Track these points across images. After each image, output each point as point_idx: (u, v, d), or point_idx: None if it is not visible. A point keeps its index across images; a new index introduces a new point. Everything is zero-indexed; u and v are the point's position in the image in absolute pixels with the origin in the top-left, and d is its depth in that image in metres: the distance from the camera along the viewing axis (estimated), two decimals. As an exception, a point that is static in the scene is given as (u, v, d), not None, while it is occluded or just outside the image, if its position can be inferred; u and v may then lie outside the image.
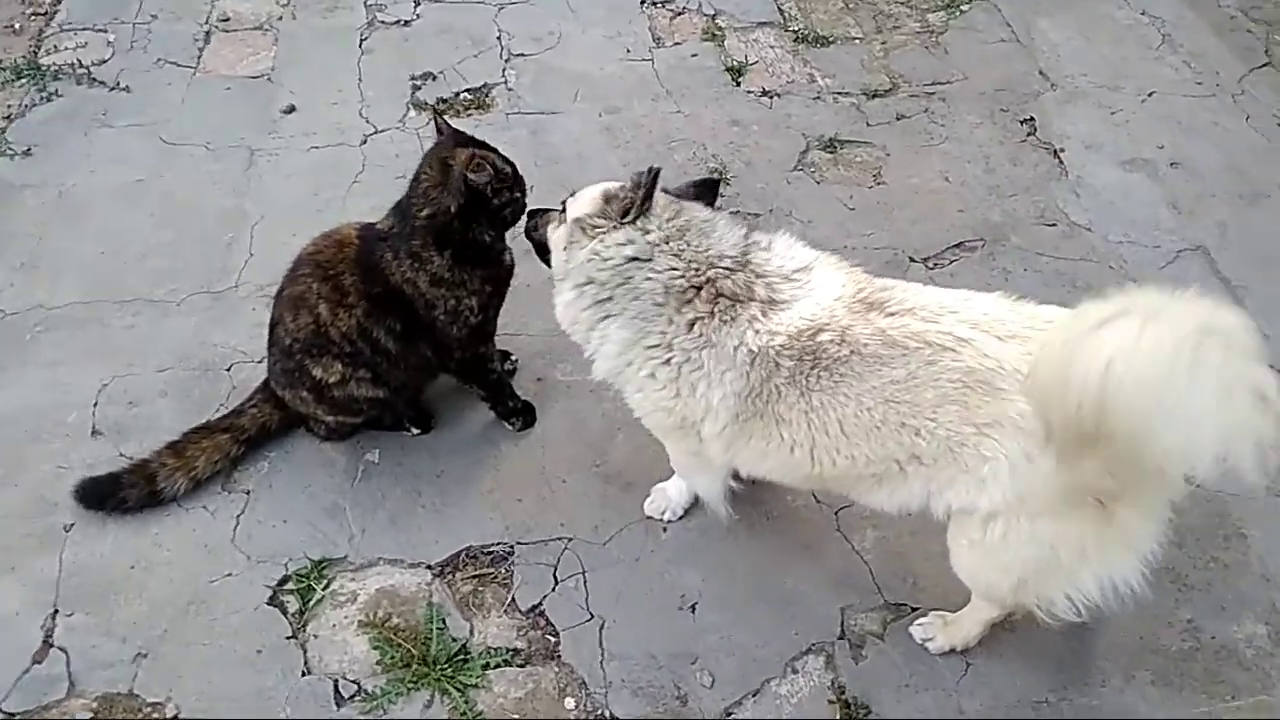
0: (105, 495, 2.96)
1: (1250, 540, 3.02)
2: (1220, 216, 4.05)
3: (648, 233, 2.39)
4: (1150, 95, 4.67)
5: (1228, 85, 4.71)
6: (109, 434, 3.21)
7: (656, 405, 2.53)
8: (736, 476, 2.83)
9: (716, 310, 2.35)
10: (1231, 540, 3.02)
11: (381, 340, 2.93)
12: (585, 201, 2.55)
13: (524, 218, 2.91)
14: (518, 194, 2.90)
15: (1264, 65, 4.82)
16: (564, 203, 2.67)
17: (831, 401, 2.30)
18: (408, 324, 2.94)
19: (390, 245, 2.88)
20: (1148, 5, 5.20)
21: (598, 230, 2.43)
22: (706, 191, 2.63)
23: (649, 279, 2.39)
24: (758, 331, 2.32)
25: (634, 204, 2.38)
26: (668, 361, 2.42)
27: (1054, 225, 4.06)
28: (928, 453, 2.27)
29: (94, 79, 4.59)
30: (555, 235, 2.64)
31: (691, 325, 2.38)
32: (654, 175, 2.35)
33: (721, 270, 2.38)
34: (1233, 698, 2.72)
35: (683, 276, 2.38)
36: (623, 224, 2.39)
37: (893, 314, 2.30)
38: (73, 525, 2.97)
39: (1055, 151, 4.39)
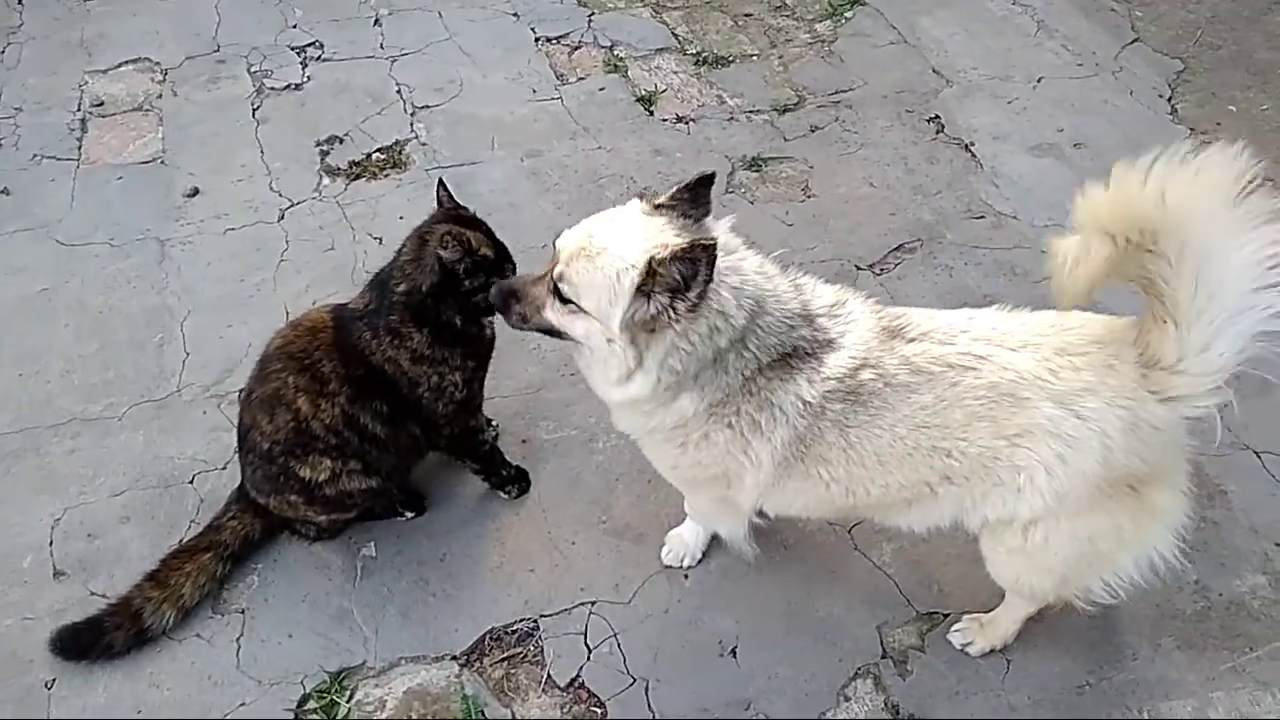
0: (87, 644, 2.71)
1: (1231, 495, 3.18)
2: (1129, 189, 4.28)
3: (728, 315, 2.17)
4: (1040, 81, 4.90)
5: (1106, 64, 4.99)
6: (74, 573, 2.94)
7: (696, 462, 2.44)
8: (759, 512, 2.79)
9: (779, 371, 2.27)
10: (1215, 498, 3.17)
11: (369, 426, 2.78)
12: (604, 288, 2.15)
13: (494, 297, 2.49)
14: (509, 270, 2.75)
15: (1134, 41, 5.12)
16: (551, 275, 2.27)
17: (868, 435, 2.30)
18: (394, 405, 2.80)
19: (368, 323, 2.74)
20: (1017, -5, 5.48)
21: (663, 321, 2.14)
22: (703, 190, 2.28)
23: (743, 357, 2.24)
24: (811, 382, 2.26)
25: (692, 281, 2.08)
26: (730, 425, 2.32)
27: (982, 218, 4.21)
28: (960, 472, 2.31)
29: (-35, 184, 4.24)
30: (581, 327, 2.27)
31: (759, 390, 2.28)
32: (711, 255, 2.05)
33: (799, 335, 2.28)
34: (1251, 649, 2.85)
35: (776, 348, 2.26)
36: (695, 311, 2.12)
37: (912, 340, 2.31)
38: (54, 681, 2.71)
39: (966, 146, 4.55)
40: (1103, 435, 2.16)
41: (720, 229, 2.31)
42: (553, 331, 2.38)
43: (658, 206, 2.27)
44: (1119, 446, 2.17)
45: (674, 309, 2.12)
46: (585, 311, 2.23)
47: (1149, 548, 2.40)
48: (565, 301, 2.26)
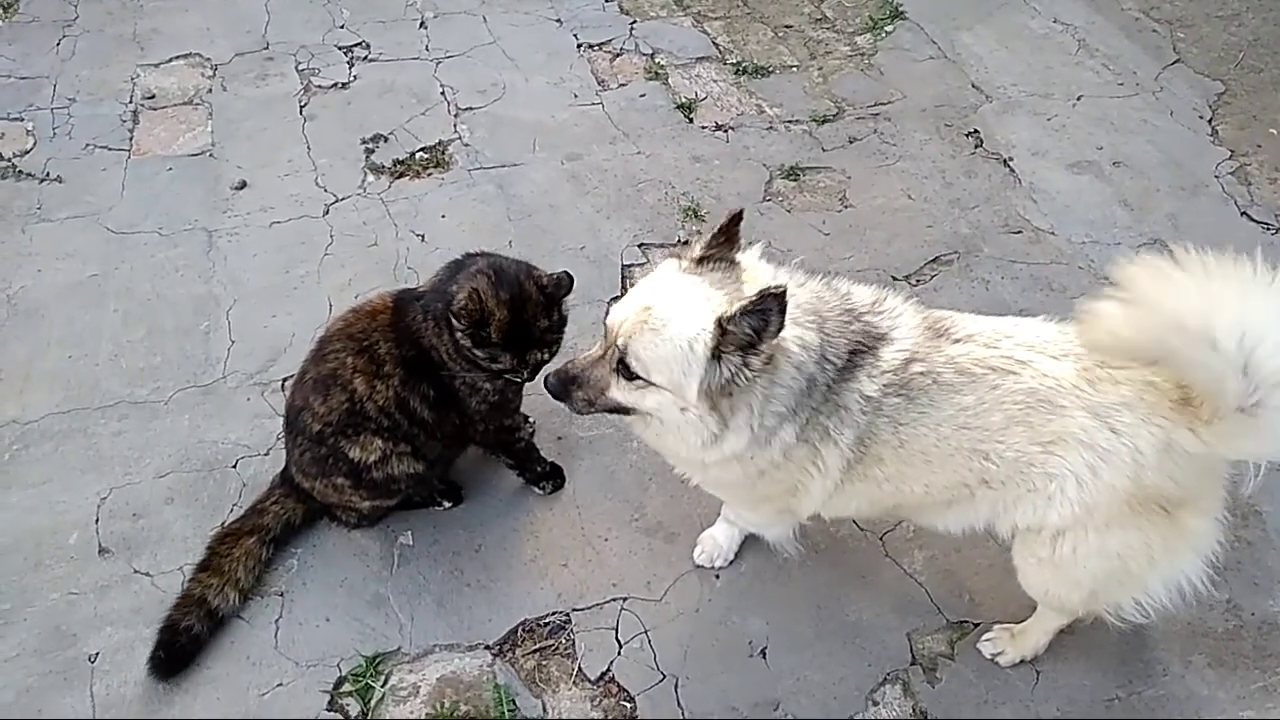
0: (179, 646, 2.74)
1: (1266, 516, 3.17)
2: (1169, 209, 4.28)
3: (806, 344, 2.21)
4: (1079, 99, 4.91)
5: (1146, 84, 4.99)
6: (118, 551, 3.00)
7: (773, 481, 2.43)
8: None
9: (844, 371, 2.28)
10: (1250, 518, 3.16)
11: (418, 410, 2.82)
12: (677, 360, 2.13)
13: (548, 381, 2.41)
14: (507, 360, 2.68)
15: (1175, 62, 5.12)
16: (614, 351, 2.22)
17: (916, 434, 2.31)
18: (440, 391, 2.84)
19: (424, 304, 2.76)
20: (1058, 13, 5.48)
21: (741, 380, 2.14)
22: (734, 228, 2.27)
23: (825, 370, 2.26)
24: (871, 376, 2.28)
25: (764, 333, 2.08)
26: (806, 440, 2.32)
27: (1019, 232, 4.22)
28: (996, 476, 2.32)
29: (20, 171, 4.34)
30: (652, 400, 2.24)
31: (830, 396, 2.29)
32: (783, 304, 2.02)
33: (854, 331, 2.30)
34: (1282, 670, 2.85)
35: (845, 349, 2.28)
36: (771, 362, 2.14)
37: (958, 340, 2.32)
38: (98, 655, 2.77)
39: (1005, 161, 4.56)
40: (1135, 451, 2.16)
41: (752, 258, 2.32)
42: (620, 409, 2.34)
43: (699, 261, 2.26)
44: (1151, 465, 2.16)
45: (748, 367, 2.12)
46: (656, 385, 2.20)
47: (1178, 571, 2.38)
48: (632, 378, 2.23)
